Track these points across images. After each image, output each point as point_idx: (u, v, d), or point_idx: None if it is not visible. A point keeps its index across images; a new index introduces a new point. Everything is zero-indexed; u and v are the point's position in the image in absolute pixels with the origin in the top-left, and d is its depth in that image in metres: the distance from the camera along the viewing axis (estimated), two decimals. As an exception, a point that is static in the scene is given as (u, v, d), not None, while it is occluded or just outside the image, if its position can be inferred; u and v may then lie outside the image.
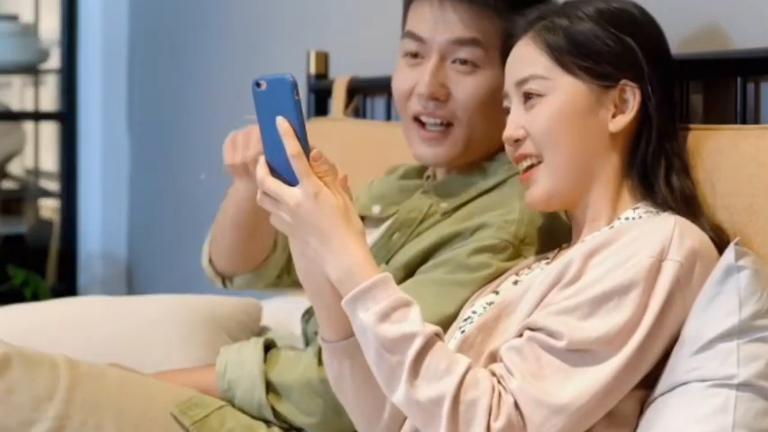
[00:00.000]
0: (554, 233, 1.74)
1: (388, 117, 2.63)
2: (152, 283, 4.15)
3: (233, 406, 1.84)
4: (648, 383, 1.45)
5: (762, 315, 1.40)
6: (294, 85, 1.44)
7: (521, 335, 1.45)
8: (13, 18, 4.57)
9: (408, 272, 1.79)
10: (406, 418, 1.52)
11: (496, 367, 1.43)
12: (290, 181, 1.45)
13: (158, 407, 1.77)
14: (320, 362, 1.78)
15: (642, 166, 1.57)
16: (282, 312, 2.29)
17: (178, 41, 4.03)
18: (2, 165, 4.94)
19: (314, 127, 2.67)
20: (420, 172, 1.99)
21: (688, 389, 1.40)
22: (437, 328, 1.43)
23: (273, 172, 1.47)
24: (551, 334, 1.41)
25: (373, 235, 1.92)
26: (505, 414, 1.37)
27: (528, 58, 1.60)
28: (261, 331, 2.28)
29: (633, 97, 1.57)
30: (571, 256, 1.48)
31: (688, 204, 1.55)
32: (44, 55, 4.55)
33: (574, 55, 1.57)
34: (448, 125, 1.81)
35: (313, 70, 2.85)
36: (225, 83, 3.65)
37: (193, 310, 2.28)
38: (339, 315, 1.49)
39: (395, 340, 1.40)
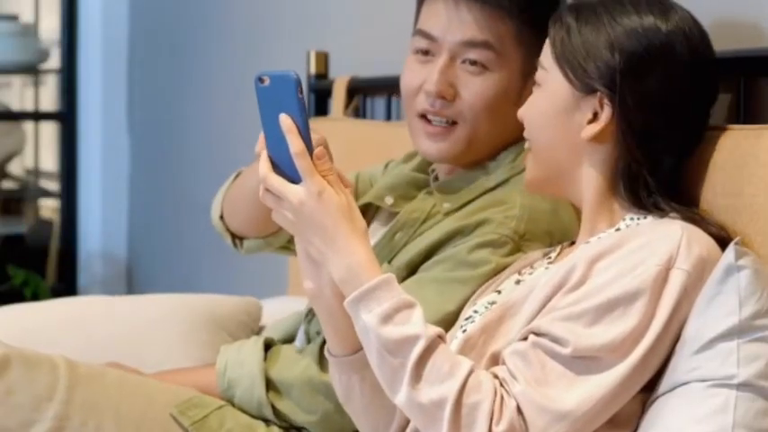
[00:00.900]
0: (555, 230, 1.74)
1: (388, 117, 2.63)
2: (152, 283, 4.15)
3: (233, 405, 1.85)
4: (649, 384, 1.45)
5: (762, 315, 1.40)
6: (298, 83, 1.44)
7: (524, 338, 1.45)
8: (13, 18, 4.57)
9: (411, 270, 1.79)
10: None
11: (499, 370, 1.43)
12: (293, 178, 1.45)
13: (158, 407, 1.77)
14: (321, 360, 1.78)
15: (626, 175, 1.54)
16: (282, 312, 2.29)
17: (178, 41, 4.03)
18: (2, 165, 4.94)
19: (314, 127, 2.67)
20: (427, 164, 1.99)
21: (688, 389, 1.40)
22: (440, 330, 1.42)
23: (276, 168, 1.46)
24: (556, 340, 1.41)
25: (376, 235, 1.92)
26: (507, 418, 1.37)
27: (546, 47, 1.61)
28: (261, 331, 2.28)
29: (607, 108, 1.53)
30: (575, 259, 1.48)
31: (685, 212, 1.54)
32: (44, 55, 4.55)
33: (565, 54, 1.56)
34: (452, 123, 1.82)
35: (313, 70, 2.85)
36: (225, 83, 3.65)
37: (193, 309, 2.28)
38: (346, 330, 1.49)
39: (397, 342, 1.40)
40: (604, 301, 1.41)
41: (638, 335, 1.40)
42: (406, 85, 1.86)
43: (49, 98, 5.03)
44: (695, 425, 1.38)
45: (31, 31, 4.69)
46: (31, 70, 4.80)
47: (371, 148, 2.41)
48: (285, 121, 1.44)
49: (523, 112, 1.61)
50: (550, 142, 1.58)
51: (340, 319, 1.50)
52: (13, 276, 4.19)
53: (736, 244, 1.43)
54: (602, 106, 1.54)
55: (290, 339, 1.98)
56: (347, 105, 2.71)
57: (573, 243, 1.65)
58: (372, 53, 2.78)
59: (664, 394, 1.42)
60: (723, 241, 1.49)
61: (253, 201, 1.89)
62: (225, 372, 1.85)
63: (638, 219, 1.54)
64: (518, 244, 1.73)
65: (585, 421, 1.40)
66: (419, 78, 1.83)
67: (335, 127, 2.59)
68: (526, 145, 1.62)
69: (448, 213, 1.82)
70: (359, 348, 1.50)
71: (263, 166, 1.47)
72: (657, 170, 1.54)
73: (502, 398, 1.38)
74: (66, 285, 4.35)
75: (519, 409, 1.38)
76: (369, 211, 1.97)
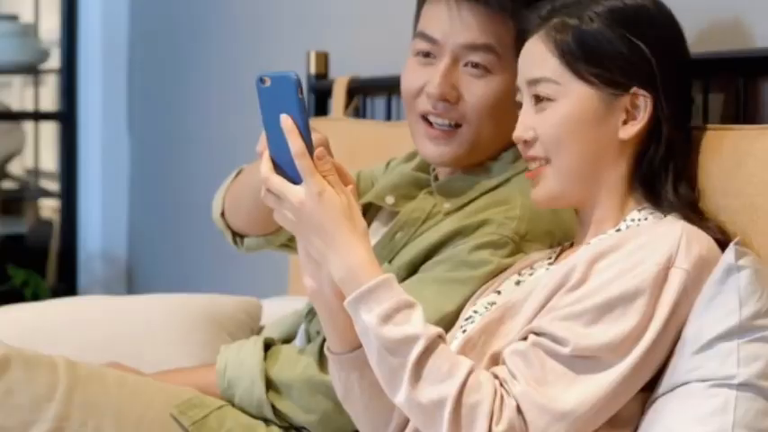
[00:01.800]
0: (556, 230, 1.74)
1: (389, 117, 2.62)
2: (152, 283, 4.15)
3: (233, 405, 1.84)
4: (649, 384, 1.45)
5: (762, 315, 1.40)
6: (298, 83, 1.44)
7: (525, 338, 1.45)
8: (13, 18, 4.57)
9: (411, 271, 1.79)
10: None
11: (499, 370, 1.43)
12: (294, 178, 1.45)
13: (158, 407, 1.77)
14: (321, 359, 1.78)
15: (649, 172, 1.56)
16: (282, 312, 2.29)
17: (178, 41, 4.03)
18: (2, 165, 4.94)
19: (315, 127, 2.67)
20: (426, 167, 1.98)
21: (688, 389, 1.40)
22: (440, 330, 1.42)
23: (277, 168, 1.47)
24: (556, 340, 1.41)
25: (377, 234, 1.92)
26: (507, 418, 1.37)
27: (539, 59, 1.57)
28: (261, 331, 2.28)
29: (644, 105, 1.54)
30: (576, 259, 1.48)
31: (693, 209, 1.55)
32: (44, 55, 4.55)
33: (584, 61, 1.54)
34: (456, 126, 1.81)
35: (313, 70, 2.85)
36: (225, 83, 3.65)
37: (193, 309, 2.28)
38: (346, 327, 1.50)
39: (397, 342, 1.40)
40: (604, 301, 1.41)
41: (638, 334, 1.40)
42: (407, 87, 1.85)
43: (49, 98, 5.03)
44: (695, 425, 1.38)
45: (31, 31, 4.68)
46: (31, 70, 4.80)
47: (371, 148, 2.41)
48: (286, 121, 1.44)
49: (540, 131, 1.56)
50: (582, 154, 1.55)
51: (340, 316, 1.50)
52: (13, 276, 4.19)
53: (736, 244, 1.43)
54: (634, 103, 1.54)
55: (289, 339, 1.98)
56: (347, 105, 2.71)
57: (572, 244, 1.65)
58: (372, 53, 2.78)
59: (664, 394, 1.42)
60: (723, 242, 1.49)
61: (254, 199, 1.89)
62: (225, 371, 1.85)
63: (639, 220, 1.54)
64: (519, 244, 1.73)
65: (585, 421, 1.40)
66: (420, 80, 1.82)
67: (335, 127, 2.59)
68: (535, 164, 1.58)
69: (448, 213, 1.82)
70: (358, 346, 1.50)
71: (265, 166, 1.47)
72: (680, 159, 1.56)
73: (502, 398, 1.38)
74: (67, 285, 4.35)
75: (519, 409, 1.38)
76: (369, 211, 1.97)
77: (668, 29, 1.59)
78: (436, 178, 1.92)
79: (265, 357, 1.84)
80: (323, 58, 2.86)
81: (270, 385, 1.82)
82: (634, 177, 1.57)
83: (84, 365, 1.77)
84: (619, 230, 1.54)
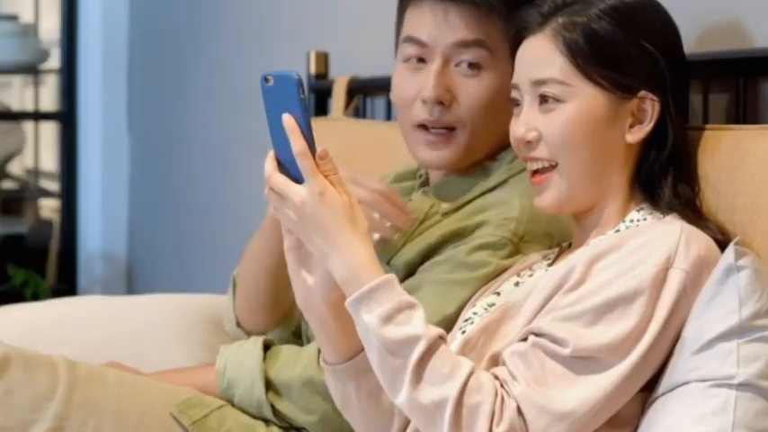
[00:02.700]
0: (554, 231, 1.74)
1: (388, 117, 2.62)
2: (152, 283, 4.15)
3: (232, 405, 1.84)
4: (649, 384, 1.45)
5: (762, 315, 1.40)
6: (299, 83, 1.44)
7: (524, 339, 1.45)
8: (13, 18, 4.56)
9: (409, 272, 1.79)
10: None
11: (500, 371, 1.43)
12: (297, 177, 1.45)
13: (158, 407, 1.77)
14: (320, 360, 1.78)
15: (652, 174, 1.55)
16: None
17: (178, 41, 4.03)
18: (2, 165, 4.94)
19: (314, 127, 2.67)
20: (413, 173, 1.98)
21: (688, 389, 1.40)
22: (441, 331, 1.42)
23: (281, 166, 1.47)
24: (556, 340, 1.41)
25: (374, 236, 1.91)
26: (508, 419, 1.37)
27: (546, 58, 1.55)
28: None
29: (652, 109, 1.54)
30: (575, 260, 1.48)
31: (693, 209, 1.55)
32: (44, 55, 4.55)
33: (595, 62, 1.53)
34: (451, 129, 1.80)
35: (313, 70, 2.85)
36: (225, 83, 3.65)
37: (193, 310, 2.29)
38: (340, 338, 1.50)
39: (398, 342, 1.39)
40: (604, 302, 1.41)
41: (637, 335, 1.40)
42: (400, 96, 1.83)
43: (49, 98, 5.03)
44: (695, 425, 1.38)
45: (31, 31, 4.68)
46: (31, 70, 4.80)
47: (371, 148, 2.41)
48: (288, 121, 1.44)
49: (546, 133, 1.55)
50: (590, 157, 1.54)
51: (332, 327, 1.50)
52: (13, 276, 4.19)
53: (736, 244, 1.43)
54: (640, 107, 1.54)
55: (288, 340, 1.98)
56: (347, 105, 2.71)
57: (570, 245, 1.65)
58: (372, 53, 2.77)
59: (664, 394, 1.42)
60: (723, 242, 1.49)
61: (263, 283, 1.91)
62: (224, 371, 1.85)
63: (638, 220, 1.54)
64: (517, 246, 1.73)
65: (585, 422, 1.40)
66: (414, 87, 1.80)
67: (335, 127, 2.59)
68: (536, 165, 1.57)
69: (446, 214, 1.81)
70: (353, 356, 1.50)
71: (269, 165, 1.47)
72: (684, 160, 1.56)
73: (502, 399, 1.38)
74: (67, 285, 4.35)
75: (519, 410, 1.38)
76: None
77: (669, 28, 1.59)
78: (426, 183, 1.91)
79: (265, 358, 1.84)
80: (323, 58, 2.86)
81: (269, 386, 1.81)
82: (636, 179, 1.57)
83: (84, 365, 1.77)
84: (618, 231, 1.54)
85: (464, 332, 1.58)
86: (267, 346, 1.87)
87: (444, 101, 1.78)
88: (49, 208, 5.07)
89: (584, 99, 1.54)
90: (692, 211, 1.54)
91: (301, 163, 1.44)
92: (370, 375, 1.47)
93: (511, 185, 1.78)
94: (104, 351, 2.10)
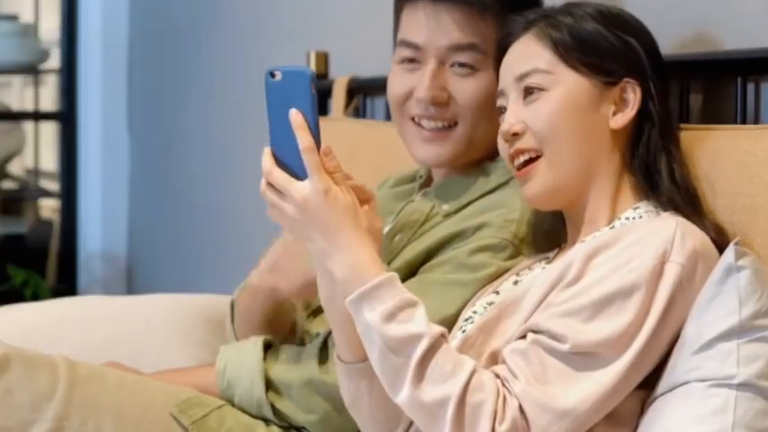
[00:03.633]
0: (555, 233, 1.74)
1: (388, 117, 2.62)
2: (152, 283, 4.15)
3: (233, 405, 1.84)
4: (648, 383, 1.45)
5: (762, 315, 1.40)
6: (313, 78, 1.43)
7: (523, 336, 1.45)
8: (13, 18, 4.56)
9: (410, 273, 1.79)
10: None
11: (500, 369, 1.43)
12: (297, 175, 1.44)
13: (158, 407, 1.77)
14: (320, 360, 1.78)
15: (644, 162, 1.57)
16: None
17: (178, 41, 4.03)
18: (2, 165, 4.94)
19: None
20: (412, 176, 1.98)
21: (688, 389, 1.40)
22: (443, 329, 1.42)
23: (279, 164, 1.45)
24: (554, 337, 1.41)
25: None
26: (510, 417, 1.37)
27: (530, 54, 1.59)
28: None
29: (634, 95, 1.57)
30: (572, 256, 1.48)
31: (692, 201, 1.55)
32: (44, 55, 4.55)
33: (578, 51, 1.57)
34: (449, 127, 1.81)
35: (313, 70, 2.85)
36: (225, 82, 3.65)
37: (193, 309, 2.29)
38: (357, 338, 1.48)
39: (401, 341, 1.39)
40: (601, 297, 1.41)
41: (635, 329, 1.40)
42: (393, 93, 1.86)
43: (49, 98, 5.03)
44: (695, 425, 1.38)
45: (31, 31, 4.68)
46: (31, 70, 4.80)
47: (371, 148, 2.41)
48: (296, 116, 1.44)
49: (532, 122, 1.57)
50: (575, 143, 1.56)
51: (351, 326, 1.48)
52: (13, 276, 4.19)
53: (736, 244, 1.43)
54: (622, 95, 1.57)
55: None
56: (347, 105, 2.71)
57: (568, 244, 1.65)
58: (372, 53, 2.77)
59: (663, 394, 1.42)
60: (719, 242, 1.49)
61: (258, 321, 1.90)
62: (224, 371, 1.85)
63: (634, 218, 1.55)
64: (518, 247, 1.73)
65: (586, 419, 1.40)
66: (407, 85, 1.82)
67: (335, 127, 2.59)
68: (523, 157, 1.58)
69: (447, 215, 1.82)
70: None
71: (267, 160, 1.46)
72: (672, 145, 1.58)
73: (504, 397, 1.38)
74: (67, 285, 4.35)
75: (521, 408, 1.38)
76: None
77: (647, 33, 1.63)
78: (427, 183, 1.91)
79: (265, 357, 1.84)
80: (323, 58, 2.86)
81: (270, 386, 1.81)
82: (628, 169, 1.58)
83: (84, 365, 1.77)
84: (613, 227, 1.54)
85: (464, 331, 1.58)
86: (268, 346, 1.87)
87: (440, 100, 1.80)
88: (49, 208, 5.07)
89: (567, 85, 1.56)
90: (692, 204, 1.54)
91: (307, 158, 1.43)
92: None
93: (512, 187, 1.78)
94: (104, 351, 2.10)
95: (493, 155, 1.83)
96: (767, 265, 1.46)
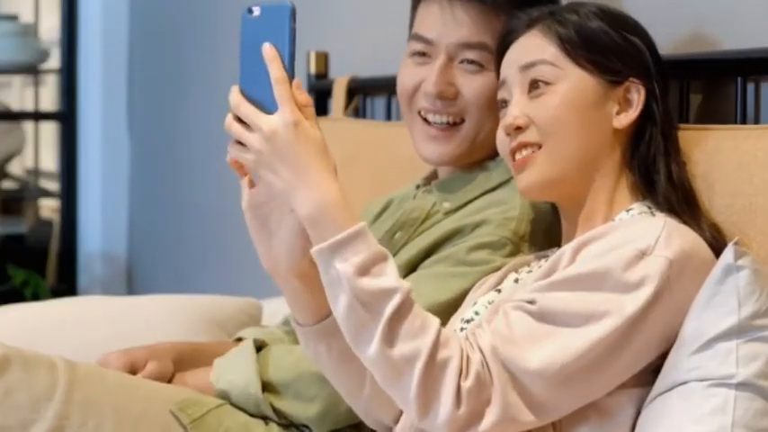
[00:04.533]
0: (555, 231, 1.74)
1: (389, 117, 2.63)
2: (152, 283, 4.15)
3: (231, 404, 1.84)
4: (644, 382, 1.45)
5: (761, 315, 1.40)
6: (293, 12, 1.40)
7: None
8: (13, 18, 4.56)
9: (411, 270, 1.79)
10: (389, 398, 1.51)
11: (470, 329, 1.42)
12: (268, 110, 1.39)
13: (157, 406, 1.77)
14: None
15: (644, 162, 1.57)
16: (282, 312, 2.29)
17: (178, 41, 4.03)
18: (2, 165, 4.94)
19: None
20: (413, 191, 1.97)
21: (687, 388, 1.40)
22: (411, 285, 1.39)
23: (248, 101, 1.41)
24: (525, 300, 1.42)
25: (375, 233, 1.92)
26: (474, 372, 1.36)
27: (536, 47, 1.60)
28: (260, 331, 2.27)
29: (638, 95, 1.58)
30: (563, 250, 1.49)
31: (689, 202, 1.55)
32: (44, 55, 4.55)
33: (584, 48, 1.57)
34: (455, 124, 1.82)
35: (313, 70, 2.85)
36: (225, 82, 3.64)
37: (193, 310, 2.28)
38: (309, 302, 1.48)
39: (373, 294, 1.35)
40: (575, 275, 1.41)
41: (606, 309, 1.39)
42: (403, 85, 1.87)
43: (49, 98, 5.03)
44: (694, 425, 1.38)
45: (31, 31, 4.68)
46: (31, 70, 4.80)
47: (371, 148, 2.41)
48: (269, 50, 1.40)
49: (537, 116, 1.57)
50: (577, 139, 1.56)
51: (300, 293, 1.47)
52: (13, 276, 4.19)
53: (735, 244, 1.43)
54: (626, 96, 1.57)
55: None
56: (347, 105, 2.71)
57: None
58: (372, 53, 2.78)
59: (662, 393, 1.42)
60: (715, 245, 1.49)
61: None
62: (218, 380, 1.84)
63: (629, 217, 1.55)
64: (518, 245, 1.73)
65: (552, 387, 1.38)
66: (416, 78, 1.84)
67: (335, 127, 2.59)
68: (525, 152, 1.58)
69: (448, 213, 1.82)
70: (323, 318, 1.49)
71: (235, 95, 1.41)
72: (672, 147, 1.59)
73: (467, 354, 1.37)
74: (67, 285, 4.35)
75: (485, 363, 1.37)
76: None
77: (647, 34, 1.63)
78: (431, 179, 1.92)
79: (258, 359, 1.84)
80: (323, 58, 2.86)
81: (267, 387, 1.81)
82: (626, 169, 1.58)
83: (84, 365, 1.77)
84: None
85: (464, 331, 1.58)
86: (259, 348, 1.87)
87: (447, 95, 1.81)
88: (49, 208, 5.07)
89: (573, 81, 1.57)
90: (688, 205, 1.54)
91: (278, 90, 1.38)
92: (340, 336, 1.43)
93: (512, 185, 1.78)
94: (104, 351, 2.09)
95: (495, 154, 1.83)
96: (766, 265, 1.46)
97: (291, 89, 1.39)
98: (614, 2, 1.85)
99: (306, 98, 1.41)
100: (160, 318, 2.25)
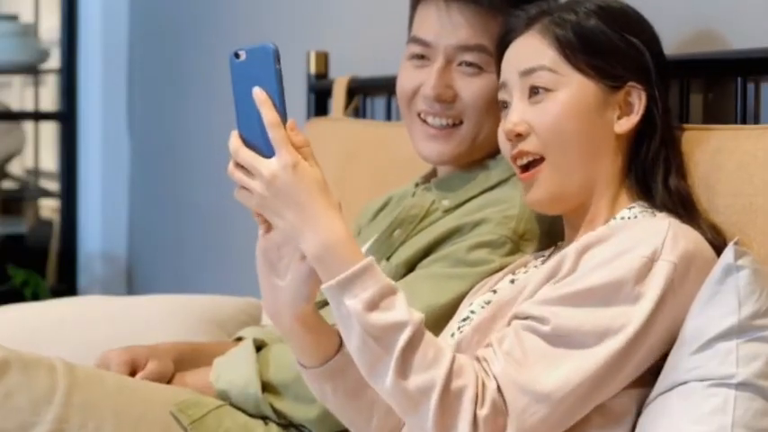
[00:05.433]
0: (554, 229, 1.74)
1: (389, 117, 2.62)
2: (152, 283, 4.15)
3: (231, 405, 1.84)
4: (645, 382, 1.44)
5: (761, 315, 1.40)
6: (276, 54, 1.41)
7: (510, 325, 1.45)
8: (13, 18, 4.56)
9: (409, 268, 1.79)
10: (397, 423, 1.52)
11: (482, 351, 1.42)
12: (266, 154, 1.40)
13: (157, 408, 1.77)
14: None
15: (642, 167, 1.57)
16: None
17: (178, 42, 4.03)
18: (2, 165, 4.94)
19: (314, 127, 2.68)
20: (411, 191, 1.97)
21: (687, 388, 1.40)
22: (422, 315, 1.39)
23: (247, 146, 1.42)
24: (537, 320, 1.41)
25: (374, 232, 1.91)
26: (490, 400, 1.36)
27: (534, 50, 1.58)
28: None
29: (639, 100, 1.56)
30: (565, 252, 1.48)
31: (684, 205, 1.55)
32: (44, 55, 4.55)
33: (584, 52, 1.56)
34: (454, 125, 1.82)
35: (313, 70, 2.85)
36: (225, 83, 3.64)
37: (193, 310, 2.29)
38: (310, 345, 1.48)
39: (384, 329, 1.36)
40: (586, 288, 1.41)
41: (621, 323, 1.39)
42: (402, 89, 1.87)
43: (49, 98, 5.03)
44: (694, 424, 1.37)
45: (31, 31, 4.68)
46: (31, 70, 4.80)
47: (371, 148, 2.41)
48: (259, 94, 1.40)
49: (537, 124, 1.56)
50: (580, 147, 1.55)
51: (302, 337, 1.48)
52: (13, 276, 4.19)
53: (735, 244, 1.43)
54: (627, 99, 1.56)
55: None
56: (347, 105, 2.71)
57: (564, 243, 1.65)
58: (372, 53, 2.78)
59: (662, 393, 1.42)
60: (715, 243, 1.49)
61: None
62: (218, 380, 1.84)
63: (629, 218, 1.55)
64: (517, 244, 1.73)
65: (567, 406, 1.38)
66: (415, 81, 1.84)
67: (335, 127, 2.59)
68: (525, 159, 1.57)
69: (447, 211, 1.82)
70: (326, 360, 1.49)
71: (234, 141, 1.42)
72: (673, 152, 1.58)
73: (483, 382, 1.37)
74: (67, 285, 4.35)
75: (499, 390, 1.37)
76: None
77: (650, 29, 1.62)
78: (430, 177, 1.92)
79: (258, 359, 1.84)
80: (323, 58, 2.86)
81: (266, 387, 1.81)
82: (626, 173, 1.58)
83: (83, 367, 1.77)
84: (608, 225, 1.54)
85: (461, 331, 1.58)
86: (259, 347, 1.86)
87: (446, 98, 1.81)
88: (49, 208, 5.07)
89: (573, 88, 1.55)
90: (685, 207, 1.54)
91: (272, 133, 1.39)
92: (346, 376, 1.46)
93: (512, 184, 1.79)
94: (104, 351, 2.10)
95: (495, 152, 1.83)
96: (766, 265, 1.46)
97: (286, 131, 1.40)
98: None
99: (302, 139, 1.41)
100: (160, 318, 2.25)
